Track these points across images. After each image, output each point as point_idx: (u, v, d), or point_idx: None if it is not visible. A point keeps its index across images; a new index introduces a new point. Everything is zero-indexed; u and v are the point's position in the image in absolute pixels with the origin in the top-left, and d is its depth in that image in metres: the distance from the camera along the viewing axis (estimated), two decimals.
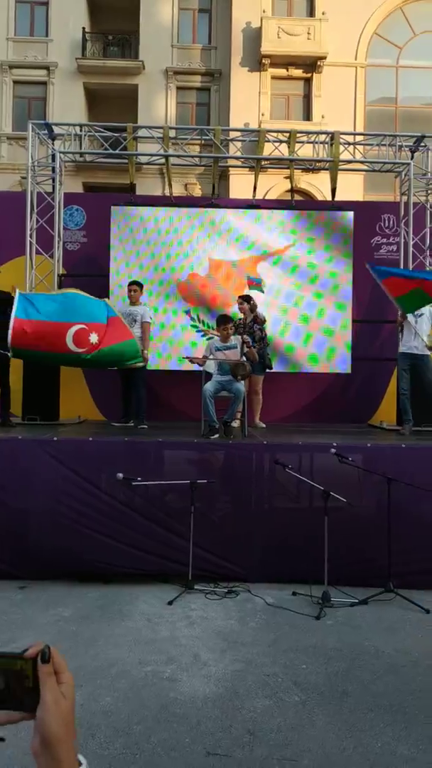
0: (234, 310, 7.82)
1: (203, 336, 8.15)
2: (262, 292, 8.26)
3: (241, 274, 8.40)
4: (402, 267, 8.43)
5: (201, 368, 6.77)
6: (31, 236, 8.15)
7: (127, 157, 8.52)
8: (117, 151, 8.48)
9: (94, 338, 6.65)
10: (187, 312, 8.33)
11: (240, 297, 7.71)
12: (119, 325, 6.90)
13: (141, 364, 7.14)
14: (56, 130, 8.43)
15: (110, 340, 6.74)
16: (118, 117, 17.81)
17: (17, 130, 19.79)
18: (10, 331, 6.42)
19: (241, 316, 7.59)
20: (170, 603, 5.04)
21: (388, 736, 3.21)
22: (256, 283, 8.37)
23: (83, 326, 6.63)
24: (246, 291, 8.11)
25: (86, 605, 5.04)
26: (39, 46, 20.30)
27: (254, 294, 7.99)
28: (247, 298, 7.65)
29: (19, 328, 6.43)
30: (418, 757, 3.03)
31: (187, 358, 6.93)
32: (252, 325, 7.49)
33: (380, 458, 5.75)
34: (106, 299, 7.27)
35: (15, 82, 20.27)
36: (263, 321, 7.64)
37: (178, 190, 16.28)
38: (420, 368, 7.13)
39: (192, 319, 8.33)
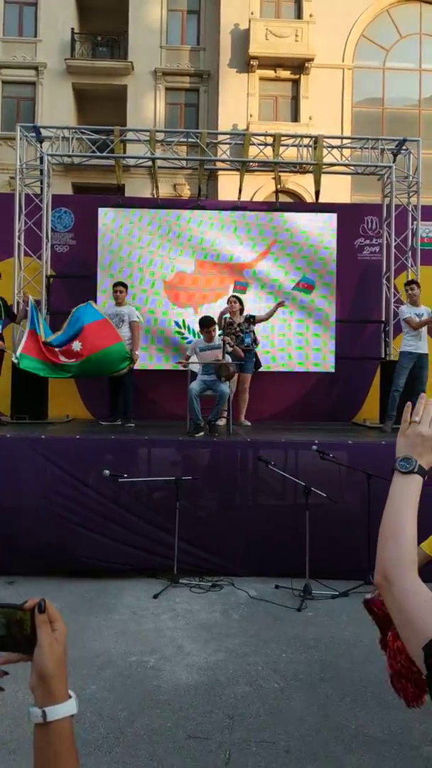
0: (220, 309, 7.96)
1: (189, 343, 8.28)
2: (244, 293, 8.38)
3: (227, 274, 8.54)
4: (384, 267, 8.60)
5: (187, 368, 6.91)
6: (19, 238, 8.24)
7: (114, 160, 8.63)
8: (104, 154, 8.59)
9: (76, 346, 6.97)
10: (176, 323, 8.46)
11: (233, 296, 7.86)
12: (105, 329, 7.06)
13: (125, 371, 7.30)
14: (44, 132, 8.52)
15: (95, 345, 6.99)
16: (106, 117, 17.94)
17: (6, 131, 19.83)
18: (24, 340, 7.02)
19: (227, 316, 7.71)
20: (155, 596, 5.17)
21: (362, 719, 3.36)
22: (241, 287, 8.50)
23: (66, 346, 7.17)
24: (232, 292, 8.25)
25: (74, 599, 5.16)
26: (28, 47, 20.35)
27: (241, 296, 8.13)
28: (238, 299, 7.81)
29: (30, 338, 7.06)
30: (389, 739, 3.18)
31: (178, 362, 7.07)
32: (246, 326, 7.62)
33: (361, 455, 5.90)
34: (92, 302, 7.41)
35: (3, 82, 20.32)
36: (255, 321, 7.78)
37: (167, 191, 16.41)
38: (421, 368, 7.25)
39: (177, 325, 8.46)
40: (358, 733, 3.24)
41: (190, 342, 8.03)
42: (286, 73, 19.79)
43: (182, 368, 6.92)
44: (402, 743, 3.14)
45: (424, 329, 7.16)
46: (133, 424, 7.25)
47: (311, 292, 8.54)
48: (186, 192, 19.05)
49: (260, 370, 7.97)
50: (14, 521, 5.70)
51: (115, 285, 7.64)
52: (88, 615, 4.83)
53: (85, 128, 8.79)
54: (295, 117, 19.84)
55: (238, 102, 19.45)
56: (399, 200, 8.65)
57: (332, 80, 19.56)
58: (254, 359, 7.78)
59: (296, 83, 19.89)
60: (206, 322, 6.81)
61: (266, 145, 8.68)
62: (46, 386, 7.93)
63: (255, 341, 7.73)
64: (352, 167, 9.03)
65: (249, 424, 7.72)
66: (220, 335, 6.91)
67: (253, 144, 8.59)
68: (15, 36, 20.40)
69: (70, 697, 0.90)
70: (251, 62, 19.33)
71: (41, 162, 8.55)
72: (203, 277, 8.51)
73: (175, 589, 5.36)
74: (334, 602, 5.15)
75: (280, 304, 7.89)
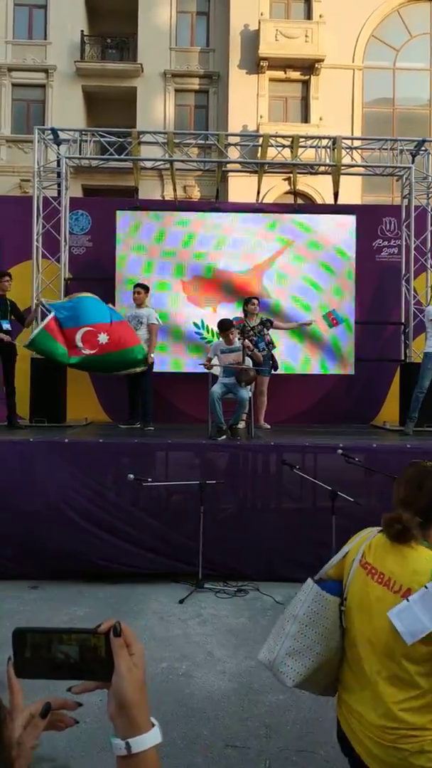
0: (239, 312, 7.94)
1: (208, 343, 8.24)
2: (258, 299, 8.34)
3: (245, 275, 8.50)
4: (403, 269, 8.55)
5: (210, 370, 6.87)
6: (37, 240, 8.24)
7: (132, 162, 8.62)
8: (122, 156, 8.57)
9: (103, 338, 6.90)
10: (195, 324, 8.43)
11: (252, 297, 7.83)
12: (127, 330, 7.05)
13: (140, 370, 7.26)
14: (61, 135, 8.51)
15: (120, 344, 6.93)
16: (116, 119, 17.96)
17: (16, 133, 19.89)
18: (48, 321, 6.98)
19: (245, 317, 7.68)
20: (181, 601, 5.14)
21: None
22: (258, 289, 8.47)
23: (90, 328, 6.88)
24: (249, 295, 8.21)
25: (98, 604, 5.14)
26: (38, 49, 20.37)
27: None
28: (256, 300, 7.78)
29: (53, 321, 6.97)
30: None
31: (202, 364, 6.99)
32: (261, 329, 7.59)
33: (386, 458, 5.85)
34: (111, 305, 7.39)
35: (14, 85, 20.33)
36: (271, 324, 7.74)
37: (177, 192, 16.36)
38: None
39: (197, 327, 8.42)
40: None
41: (209, 342, 8.01)
42: (296, 74, 19.73)
43: (206, 370, 6.86)
44: None
45: None
46: (152, 428, 7.21)
47: (329, 294, 8.49)
48: (196, 194, 19.04)
49: (279, 372, 7.92)
50: (36, 525, 5.69)
51: (135, 286, 7.61)
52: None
53: (102, 130, 8.77)
54: (306, 118, 19.78)
55: (248, 103, 19.41)
56: (418, 201, 8.60)
57: (342, 81, 19.50)
58: (270, 362, 7.74)
59: (306, 84, 19.83)
60: (225, 326, 6.77)
61: (284, 146, 8.64)
62: (64, 389, 7.92)
63: (271, 344, 7.69)
64: (370, 168, 8.98)
65: (269, 426, 7.68)
66: (239, 340, 6.87)
67: (272, 146, 8.55)
68: (25, 39, 20.43)
69: (153, 725, 0.85)
70: (261, 63, 19.28)
71: (58, 164, 8.54)
72: (221, 278, 8.48)
73: (200, 594, 5.32)
74: None
75: (308, 323, 7.91)
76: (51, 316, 7.02)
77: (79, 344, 6.95)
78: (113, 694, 0.84)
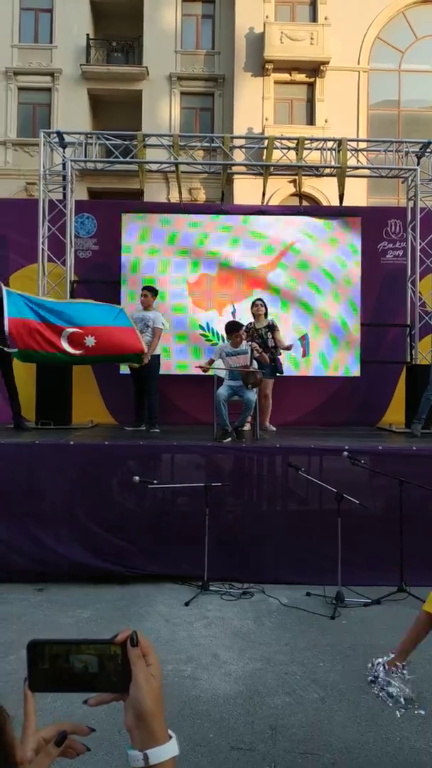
0: (245, 311, 7.95)
1: (214, 346, 8.25)
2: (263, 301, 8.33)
3: (251, 277, 8.51)
4: (409, 271, 8.54)
5: (212, 373, 6.86)
6: (43, 243, 8.26)
7: (138, 165, 8.64)
8: (128, 159, 8.59)
9: (90, 341, 6.75)
10: (201, 327, 8.44)
11: (258, 299, 7.83)
12: (129, 337, 6.92)
13: (135, 364, 7.21)
14: (67, 138, 8.54)
15: (111, 350, 6.82)
16: (122, 122, 18.00)
17: (22, 136, 19.97)
18: (6, 331, 6.53)
19: (251, 320, 7.69)
20: (187, 604, 5.14)
21: (407, 730, 3.31)
22: (264, 290, 8.48)
23: (77, 330, 6.76)
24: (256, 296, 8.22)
25: (104, 607, 5.14)
26: (43, 53, 20.45)
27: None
28: (263, 302, 7.78)
29: (13, 328, 6.54)
30: None
31: (198, 367, 6.95)
32: (266, 332, 7.59)
33: (391, 460, 5.84)
34: (124, 309, 7.35)
35: (20, 89, 20.40)
36: (275, 327, 7.74)
37: (183, 195, 16.38)
38: None
39: (203, 329, 8.43)
40: (403, 746, 3.19)
41: (214, 345, 8.02)
42: (301, 77, 19.74)
43: (202, 372, 6.81)
44: None
45: None
46: (158, 430, 7.22)
47: (334, 296, 8.49)
48: (201, 196, 19.06)
49: (285, 375, 7.93)
50: (42, 527, 5.70)
51: (143, 289, 7.61)
52: (119, 622, 4.81)
53: (108, 133, 8.79)
54: (311, 120, 19.79)
55: (254, 106, 19.44)
56: (423, 203, 8.59)
57: (348, 83, 19.50)
58: (273, 364, 7.74)
59: (312, 86, 19.84)
60: (233, 328, 6.77)
61: (289, 148, 8.65)
62: (70, 392, 7.93)
63: (275, 347, 7.69)
64: (376, 170, 8.98)
65: (274, 428, 7.68)
66: (248, 343, 6.87)
67: (277, 148, 8.56)
68: (31, 43, 20.51)
69: (170, 737, 0.85)
70: (266, 66, 19.30)
71: (64, 167, 8.58)
72: (227, 280, 8.49)
73: (206, 596, 5.32)
74: (367, 610, 5.09)
75: (288, 348, 7.80)
76: (6, 322, 6.55)
77: (65, 345, 6.74)
78: (131, 705, 0.83)
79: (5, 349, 6.86)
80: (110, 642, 0.85)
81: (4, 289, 6.82)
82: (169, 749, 0.84)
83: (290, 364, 8.34)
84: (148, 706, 0.82)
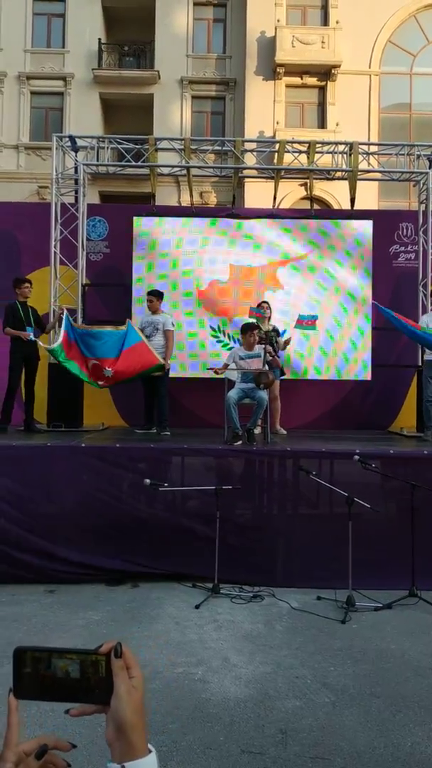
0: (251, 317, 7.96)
1: (224, 347, 8.25)
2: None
3: (261, 280, 8.51)
4: (420, 274, 8.52)
5: (224, 376, 6.87)
6: (55, 247, 8.31)
7: (149, 168, 8.68)
8: (139, 163, 8.63)
9: (108, 372, 7.02)
10: (211, 327, 8.45)
11: (264, 301, 7.84)
12: (142, 353, 7.02)
13: (159, 373, 7.28)
14: (79, 142, 8.59)
15: (127, 372, 7.04)
16: (134, 126, 18.06)
17: (34, 140, 20.11)
18: (61, 340, 6.93)
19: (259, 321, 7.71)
20: (197, 607, 5.13)
21: (418, 735, 3.29)
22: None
23: (96, 362, 7.08)
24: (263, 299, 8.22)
25: (115, 609, 5.15)
26: (56, 58, 20.60)
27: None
28: (269, 305, 7.80)
29: (65, 340, 6.97)
30: None
31: (210, 369, 6.99)
32: (273, 335, 7.61)
33: (403, 464, 5.82)
34: (129, 320, 7.40)
35: (32, 93, 20.56)
36: (278, 330, 7.79)
37: (194, 199, 16.42)
38: None
39: (214, 330, 8.43)
40: (414, 751, 3.17)
41: (226, 345, 8.03)
42: (312, 80, 19.77)
43: (216, 375, 6.85)
44: None
45: None
46: (168, 433, 7.23)
47: (345, 299, 8.48)
48: (212, 200, 19.10)
49: (298, 378, 7.94)
50: (53, 529, 5.72)
51: (149, 294, 7.64)
52: (130, 625, 4.82)
53: (119, 137, 8.85)
54: (322, 124, 19.80)
55: (265, 109, 19.47)
56: None
57: (359, 86, 19.50)
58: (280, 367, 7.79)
59: (323, 90, 19.86)
60: (248, 328, 6.84)
61: (300, 152, 8.66)
62: (81, 394, 7.97)
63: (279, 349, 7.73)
64: (387, 174, 8.97)
65: (285, 432, 7.68)
66: (261, 346, 6.89)
67: (288, 151, 8.57)
68: (43, 47, 20.67)
69: (150, 751, 0.83)
70: (277, 69, 19.34)
71: (76, 171, 8.63)
72: (238, 286, 8.50)
73: (216, 599, 5.32)
74: (378, 614, 5.07)
75: (287, 341, 7.88)
76: (62, 331, 7.03)
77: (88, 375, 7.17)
78: (111, 717, 0.83)
79: (47, 347, 7.15)
80: (93, 652, 0.85)
81: (66, 313, 7.27)
82: (148, 763, 0.82)
83: (298, 357, 8.32)
84: (128, 717, 0.82)
